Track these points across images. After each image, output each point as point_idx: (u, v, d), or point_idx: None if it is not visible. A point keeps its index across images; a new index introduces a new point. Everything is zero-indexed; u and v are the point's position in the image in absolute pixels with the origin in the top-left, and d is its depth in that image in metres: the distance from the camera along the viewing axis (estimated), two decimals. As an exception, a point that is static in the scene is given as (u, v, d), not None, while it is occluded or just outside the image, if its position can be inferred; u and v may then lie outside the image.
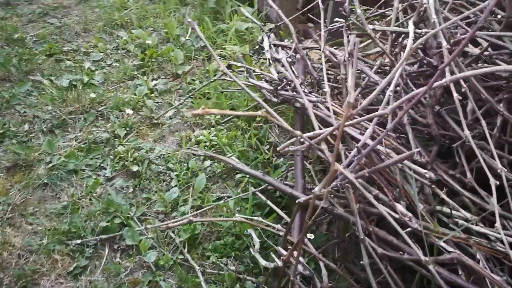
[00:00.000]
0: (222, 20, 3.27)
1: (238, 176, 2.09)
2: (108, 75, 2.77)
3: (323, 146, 1.25)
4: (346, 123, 1.19)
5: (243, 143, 2.24)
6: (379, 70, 1.59)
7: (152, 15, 3.43)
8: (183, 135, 2.34)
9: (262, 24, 2.07)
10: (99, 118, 2.44)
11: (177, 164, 2.17)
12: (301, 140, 1.24)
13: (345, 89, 1.53)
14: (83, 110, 2.46)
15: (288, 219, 1.57)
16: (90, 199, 1.98)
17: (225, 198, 2.02)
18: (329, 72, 1.83)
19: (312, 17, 2.35)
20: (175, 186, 2.06)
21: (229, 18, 3.18)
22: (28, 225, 1.87)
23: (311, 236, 1.59)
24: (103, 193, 2.03)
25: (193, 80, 2.79)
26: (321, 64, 1.69)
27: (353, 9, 1.70)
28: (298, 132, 1.21)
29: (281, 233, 1.45)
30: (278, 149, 1.28)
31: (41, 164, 2.13)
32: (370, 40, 1.70)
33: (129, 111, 2.40)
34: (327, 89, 1.35)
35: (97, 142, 2.27)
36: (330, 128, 1.24)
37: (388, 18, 1.67)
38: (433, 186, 1.27)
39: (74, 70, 2.76)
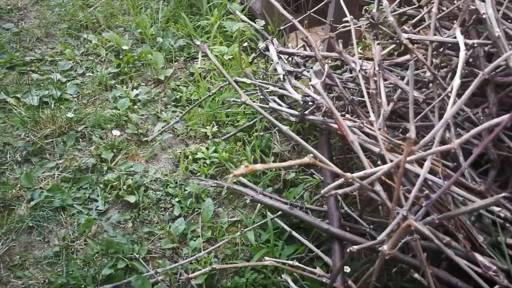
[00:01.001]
0: (200, 15, 3.00)
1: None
2: (82, 87, 2.48)
3: (378, 187, 1.08)
4: (407, 160, 1.02)
5: (246, 157, 2.04)
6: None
7: (120, 13, 3.12)
8: (178, 153, 2.11)
9: (261, 28, 1.85)
10: (80, 139, 2.17)
11: (177, 188, 1.95)
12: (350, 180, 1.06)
13: (376, 106, 1.35)
14: (60, 131, 2.18)
15: (327, 259, 1.40)
16: (85, 241, 1.75)
17: (237, 223, 1.83)
18: (350, 85, 1.64)
19: (316, 15, 2.14)
20: (179, 215, 1.84)
21: (206, 12, 2.92)
22: (17, 280, 1.63)
23: (347, 269, 1.43)
24: (99, 231, 1.79)
25: (178, 85, 2.54)
26: (340, 74, 1.50)
27: (368, 9, 1.50)
28: (348, 175, 1.03)
29: (324, 279, 1.27)
30: (322, 192, 1.09)
31: (21, 202, 1.86)
32: (392, 46, 1.52)
33: (115, 132, 2.14)
34: (372, 117, 1.17)
35: (82, 169, 2.02)
36: (385, 167, 1.06)
37: (414, 20, 1.49)
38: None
39: (42, 84, 2.45)
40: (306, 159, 0.98)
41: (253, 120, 2.16)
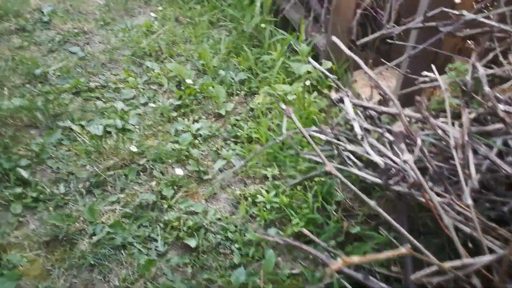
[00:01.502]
0: (261, 47, 2.99)
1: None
2: (144, 117, 2.50)
3: (475, 280, 1.00)
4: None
5: (307, 204, 1.99)
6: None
7: (182, 41, 3.15)
8: (238, 194, 2.08)
9: (335, 78, 1.80)
10: (141, 173, 2.18)
11: (237, 232, 1.92)
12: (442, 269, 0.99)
13: (464, 180, 1.27)
14: (123, 164, 2.20)
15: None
16: (145, 283, 1.73)
17: (298, 277, 1.77)
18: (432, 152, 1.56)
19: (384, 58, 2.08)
20: (240, 264, 1.80)
21: (269, 46, 2.90)
22: (78, 320, 1.62)
23: None
24: (158, 274, 1.77)
25: (238, 120, 2.52)
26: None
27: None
28: (447, 266, 0.96)
29: None
30: (411, 278, 1.03)
31: (83, 237, 1.87)
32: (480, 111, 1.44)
33: (178, 170, 2.13)
34: (469, 201, 1.09)
35: (143, 205, 2.01)
36: (485, 259, 0.98)
37: (507, 84, 1.41)
38: None
39: (105, 112, 2.49)
40: (403, 250, 0.92)
41: (316, 164, 2.11)
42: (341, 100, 1.67)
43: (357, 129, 1.45)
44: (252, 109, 2.60)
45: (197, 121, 2.51)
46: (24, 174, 2.05)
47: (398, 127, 1.43)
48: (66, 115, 2.45)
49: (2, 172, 2.07)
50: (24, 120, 2.40)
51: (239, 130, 2.43)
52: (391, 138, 1.42)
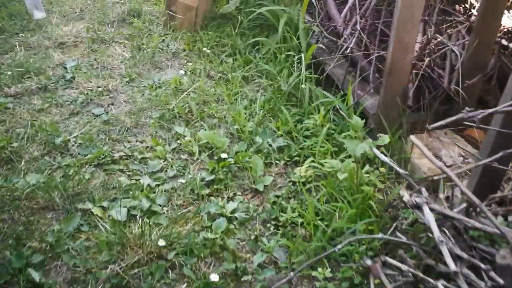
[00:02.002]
0: (299, 106, 2.71)
1: None
2: (173, 195, 2.22)
3: None
4: None
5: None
6: None
7: (213, 100, 2.89)
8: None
9: (406, 174, 1.48)
10: (170, 270, 1.88)
11: None
12: None
13: None
14: (149, 258, 1.90)
15: None
16: None
17: None
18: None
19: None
20: None
21: (309, 105, 2.61)
22: None
23: None
24: None
25: (278, 197, 2.22)
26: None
27: None
28: None
29: None
30: None
31: None
32: None
33: (214, 277, 1.82)
34: None
35: (172, 315, 1.71)
36: None
37: None
38: None
39: (130, 190, 2.22)
40: None
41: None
42: (417, 206, 1.35)
43: (448, 259, 1.11)
44: (293, 183, 2.30)
45: (232, 199, 2.22)
46: (36, 276, 1.78)
47: (504, 259, 1.10)
48: (86, 195, 2.19)
49: (12, 273, 1.81)
50: (40, 202, 2.15)
51: (281, 213, 2.12)
52: (500, 280, 1.08)
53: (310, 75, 2.75)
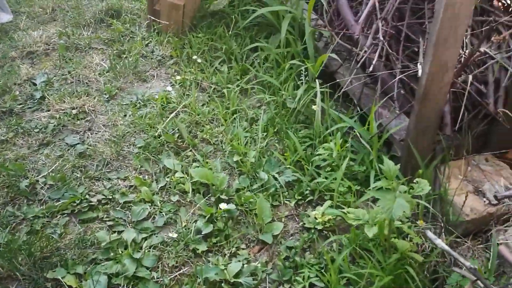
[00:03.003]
0: (309, 125, 2.30)
1: None
2: (163, 252, 1.83)
3: None
4: None
5: None
6: None
7: (207, 120, 2.47)
8: None
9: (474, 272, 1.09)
10: None
11: None
12: None
13: None
14: None
15: None
16: None
17: None
18: None
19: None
20: None
21: (325, 130, 2.20)
22: None
23: None
24: None
25: (290, 249, 1.84)
26: None
27: None
28: None
29: None
30: None
31: None
32: None
33: None
34: None
35: None
36: None
37: None
38: None
39: (111, 249, 1.82)
40: None
41: None
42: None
43: None
44: (307, 229, 1.91)
45: (234, 254, 1.83)
46: None
47: None
48: (58, 258, 1.79)
49: None
50: (1, 270, 1.75)
51: (296, 275, 1.73)
52: None
53: (320, 88, 2.32)
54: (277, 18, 2.77)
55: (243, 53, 2.82)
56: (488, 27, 1.92)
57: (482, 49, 1.79)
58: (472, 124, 2.00)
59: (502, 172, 2.01)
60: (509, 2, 2.11)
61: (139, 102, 2.61)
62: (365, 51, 1.97)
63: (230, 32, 2.91)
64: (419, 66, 1.99)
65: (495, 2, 2.16)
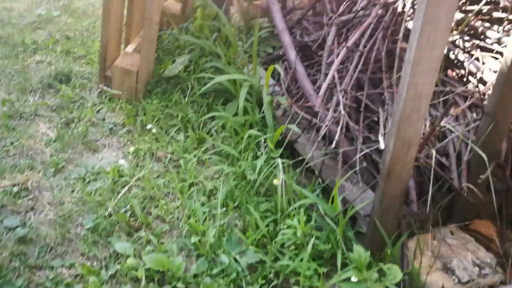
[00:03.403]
0: (270, 197, 2.19)
1: None
2: None
3: None
4: None
5: None
6: None
7: (163, 195, 2.32)
8: None
9: None
10: None
11: None
12: None
13: None
14: None
15: None
16: None
17: None
18: None
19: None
20: None
21: (287, 205, 2.09)
22: None
23: None
24: None
25: None
26: None
27: None
28: None
29: None
30: None
31: None
32: None
33: None
34: None
35: None
36: None
37: None
38: None
39: None
40: None
41: None
42: None
43: None
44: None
45: None
46: None
47: None
48: None
49: None
50: None
51: None
52: None
53: (281, 159, 2.23)
54: (234, 85, 2.71)
55: (200, 121, 2.72)
56: (448, 100, 1.91)
57: (443, 123, 1.77)
58: (436, 197, 1.95)
59: (468, 246, 1.95)
60: (463, 72, 2.13)
61: (88, 176, 2.43)
62: (326, 125, 1.91)
63: (186, 99, 2.82)
64: (381, 139, 1.95)
65: (449, 72, 2.18)
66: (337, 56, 2.06)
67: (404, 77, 1.48)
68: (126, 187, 2.32)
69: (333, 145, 1.88)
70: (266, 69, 2.90)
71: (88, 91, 3.13)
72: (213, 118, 2.73)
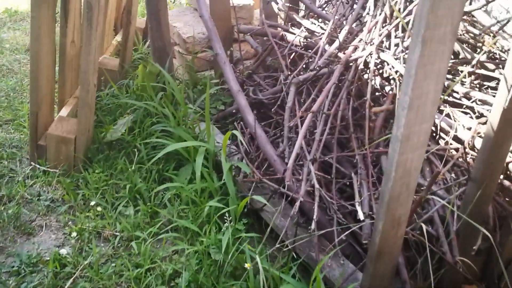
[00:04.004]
0: (237, 281, 1.95)
1: None
2: None
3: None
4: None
5: None
6: None
7: (114, 285, 2.01)
8: None
9: None
10: None
11: None
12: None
13: None
14: None
15: None
16: None
17: None
18: None
19: None
20: None
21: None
22: None
23: None
24: None
25: None
26: None
27: None
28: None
29: None
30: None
31: None
32: None
33: None
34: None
35: None
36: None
37: None
38: None
39: None
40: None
41: None
42: None
43: None
44: None
45: None
46: None
47: None
48: None
49: None
50: None
51: None
52: None
53: (249, 235, 2.01)
54: (186, 148, 2.47)
55: (151, 192, 2.45)
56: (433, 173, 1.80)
57: (430, 196, 1.64)
58: (424, 269, 1.81)
59: (461, 316, 1.82)
60: (433, 128, 2.04)
61: (23, 269, 2.08)
62: (301, 201, 1.73)
63: (133, 167, 2.54)
64: (359, 209, 1.79)
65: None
66: (302, 123, 1.90)
67: (392, 155, 1.33)
68: (70, 280, 2.00)
69: (313, 226, 1.69)
70: (219, 128, 2.72)
71: (19, 163, 2.76)
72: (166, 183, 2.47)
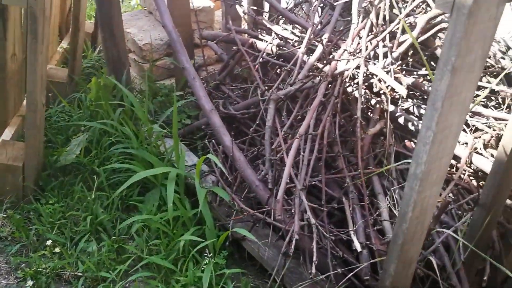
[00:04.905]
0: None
1: None
2: None
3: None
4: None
5: None
6: None
7: None
8: None
9: None
10: None
11: None
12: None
13: None
14: None
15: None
16: None
17: None
18: None
19: None
20: None
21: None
22: None
23: None
24: None
25: None
26: None
27: None
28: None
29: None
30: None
31: None
32: None
33: None
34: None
35: None
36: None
37: None
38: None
39: None
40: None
41: None
42: None
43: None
44: None
45: None
46: None
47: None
48: None
49: None
50: None
51: None
52: None
53: (232, 270, 1.81)
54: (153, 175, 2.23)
55: (114, 222, 2.19)
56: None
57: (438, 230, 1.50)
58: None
59: None
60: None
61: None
62: (296, 239, 1.54)
63: (92, 195, 2.26)
64: (354, 238, 1.64)
65: (407, 143, 1.95)
66: (285, 143, 1.71)
67: (410, 195, 1.17)
68: None
69: (313, 269, 1.51)
70: (186, 144, 2.49)
71: (-44, 195, 2.41)
72: (132, 212, 2.22)
